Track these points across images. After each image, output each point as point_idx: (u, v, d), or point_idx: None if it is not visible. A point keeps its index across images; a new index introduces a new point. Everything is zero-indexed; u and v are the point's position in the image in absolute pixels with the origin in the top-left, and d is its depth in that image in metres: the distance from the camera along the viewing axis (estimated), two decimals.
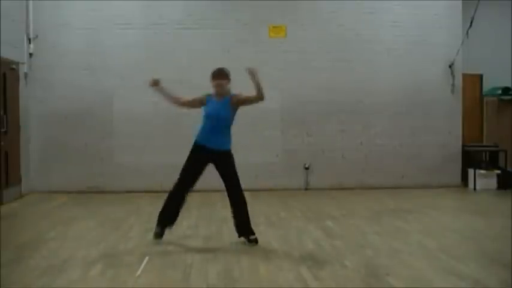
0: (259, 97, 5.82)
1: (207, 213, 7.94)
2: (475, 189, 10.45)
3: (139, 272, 5.00)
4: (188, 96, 6.20)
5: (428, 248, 5.92)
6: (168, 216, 6.07)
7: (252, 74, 5.72)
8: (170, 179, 9.87)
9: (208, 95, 6.03)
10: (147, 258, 5.44)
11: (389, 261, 5.39)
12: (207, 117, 5.95)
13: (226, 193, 6.04)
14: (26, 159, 9.76)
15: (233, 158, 5.97)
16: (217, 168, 5.98)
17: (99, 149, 10.14)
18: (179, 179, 6.01)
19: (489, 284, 4.69)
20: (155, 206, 8.53)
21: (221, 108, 5.90)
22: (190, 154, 5.99)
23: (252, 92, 5.85)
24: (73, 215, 7.95)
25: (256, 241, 6.00)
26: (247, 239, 6.01)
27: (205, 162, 5.96)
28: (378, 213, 8.08)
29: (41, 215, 7.94)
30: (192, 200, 8.41)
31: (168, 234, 6.37)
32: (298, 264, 5.24)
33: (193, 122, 9.59)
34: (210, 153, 5.89)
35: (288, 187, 10.33)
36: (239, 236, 6.07)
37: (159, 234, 6.08)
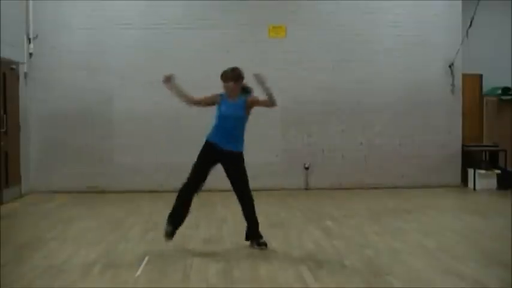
0: (273, 104, 5.79)
1: (207, 213, 7.93)
2: (474, 189, 10.45)
3: (139, 272, 5.00)
4: (201, 95, 6.07)
5: (428, 248, 5.92)
6: (178, 215, 5.92)
7: (260, 80, 5.62)
8: (170, 179, 9.99)
9: (222, 95, 5.92)
10: (147, 258, 5.44)
11: (389, 261, 5.39)
12: (220, 117, 5.84)
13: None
14: (26, 159, 9.76)
15: (243, 160, 5.86)
16: (226, 170, 5.87)
17: (99, 149, 10.14)
18: (189, 178, 5.86)
19: (489, 284, 4.69)
20: (155, 206, 8.60)
21: (235, 109, 5.80)
22: (200, 153, 5.87)
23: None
24: (73, 215, 7.95)
25: (265, 244, 5.87)
26: (256, 243, 5.88)
27: (215, 161, 5.85)
28: (377, 213, 8.07)
29: (41, 215, 7.94)
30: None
31: None
32: (298, 264, 5.24)
33: (194, 122, 9.68)
34: (221, 153, 5.78)
35: (287, 187, 10.33)
36: (246, 239, 5.98)
37: (169, 234, 5.87)
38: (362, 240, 6.29)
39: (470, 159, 10.82)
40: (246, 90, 5.92)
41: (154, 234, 6.59)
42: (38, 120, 10.06)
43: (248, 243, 5.98)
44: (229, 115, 5.80)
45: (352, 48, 10.58)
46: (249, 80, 5.86)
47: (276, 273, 4.99)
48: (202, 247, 6.01)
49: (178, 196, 5.95)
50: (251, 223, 5.93)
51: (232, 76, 5.86)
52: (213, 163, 5.87)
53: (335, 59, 10.54)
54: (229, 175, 5.90)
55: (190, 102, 6.06)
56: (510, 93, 11.22)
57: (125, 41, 10.18)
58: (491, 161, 10.83)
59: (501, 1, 11.55)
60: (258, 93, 5.87)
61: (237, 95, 5.86)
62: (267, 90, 5.69)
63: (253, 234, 5.93)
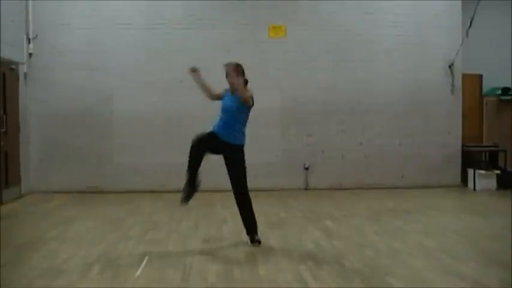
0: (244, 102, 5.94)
1: (207, 213, 7.94)
2: (474, 189, 10.45)
3: (139, 272, 5.00)
4: (217, 89, 6.21)
5: (428, 248, 5.92)
6: (191, 186, 5.98)
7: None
8: (170, 179, 10.01)
9: (227, 89, 6.12)
10: (147, 258, 5.45)
11: (389, 261, 5.39)
12: (221, 109, 6.06)
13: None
14: (25, 159, 9.76)
15: (243, 154, 5.99)
16: (225, 161, 6.00)
17: (99, 149, 10.14)
18: (191, 147, 5.92)
19: (489, 284, 4.69)
20: (155, 206, 8.61)
21: (232, 102, 5.96)
22: (205, 133, 6.01)
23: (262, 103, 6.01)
24: (73, 215, 7.95)
25: (258, 242, 6.00)
26: (250, 238, 6.01)
27: (215, 143, 5.92)
28: (377, 213, 8.07)
29: (41, 215, 7.94)
30: (192, 200, 8.40)
31: (168, 234, 6.37)
32: (298, 264, 5.24)
33: (193, 122, 9.69)
34: (221, 143, 5.92)
35: (287, 187, 10.33)
36: (246, 234, 6.08)
37: (186, 200, 5.99)
38: (362, 240, 6.28)
39: (470, 159, 10.82)
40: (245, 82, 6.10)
41: (154, 234, 6.60)
42: (37, 120, 10.06)
43: (247, 240, 6.05)
44: (226, 108, 5.99)
45: (352, 48, 10.58)
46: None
47: (276, 273, 4.99)
48: (202, 247, 6.00)
49: (188, 168, 5.97)
50: (246, 219, 6.03)
51: (229, 71, 6.03)
52: (213, 143, 5.92)
53: (335, 59, 10.54)
54: (227, 166, 5.99)
55: (209, 97, 6.22)
56: (510, 93, 11.22)
57: (125, 41, 10.18)
58: (491, 161, 10.83)
59: (501, 1, 11.56)
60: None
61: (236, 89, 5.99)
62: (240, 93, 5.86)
63: (250, 228, 6.04)
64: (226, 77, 6.02)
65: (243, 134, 6.04)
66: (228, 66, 6.04)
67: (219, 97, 6.16)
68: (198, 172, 5.95)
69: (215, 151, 5.99)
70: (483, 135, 11.74)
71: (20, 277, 4.86)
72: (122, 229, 6.88)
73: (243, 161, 5.98)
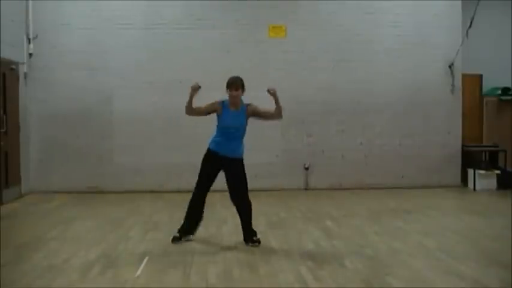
0: (278, 116, 5.95)
1: (206, 213, 7.89)
2: (474, 189, 10.45)
3: (139, 272, 5.00)
4: (203, 104, 5.98)
5: (428, 248, 5.93)
6: (192, 221, 6.15)
7: (273, 94, 5.81)
8: (170, 179, 10.01)
9: (223, 103, 5.95)
10: (147, 258, 5.45)
11: (389, 261, 5.39)
12: (222, 127, 5.94)
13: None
14: (25, 159, 9.76)
15: (243, 165, 6.01)
16: (226, 173, 6.02)
17: (99, 149, 10.14)
18: (196, 187, 6.09)
19: (489, 284, 4.70)
20: (155, 206, 8.61)
21: (237, 119, 5.92)
22: (203, 162, 6.04)
23: (262, 104, 6.02)
24: (73, 215, 7.94)
25: (258, 242, 6.01)
26: (250, 241, 6.03)
27: (218, 168, 6.00)
28: (377, 213, 8.08)
29: (41, 215, 7.94)
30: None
31: (168, 234, 6.37)
32: (298, 265, 5.25)
33: (194, 122, 9.65)
34: (222, 159, 5.93)
35: (287, 187, 10.33)
36: (245, 241, 6.08)
37: (177, 239, 6.09)
38: (362, 240, 6.29)
39: (470, 159, 10.81)
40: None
41: (154, 234, 6.60)
42: (38, 120, 10.05)
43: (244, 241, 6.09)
44: (232, 125, 5.92)
45: (352, 48, 10.58)
46: (246, 77, 5.86)
47: (276, 273, 4.99)
48: (202, 247, 6.00)
49: (189, 206, 6.15)
50: (245, 225, 6.09)
51: (242, 85, 5.94)
52: (216, 170, 6.01)
53: (335, 59, 10.54)
54: (228, 180, 6.01)
55: (191, 111, 5.95)
56: (510, 93, 11.22)
57: (125, 41, 10.17)
58: (491, 161, 10.83)
59: (501, 1, 11.55)
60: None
61: (239, 103, 5.95)
62: (277, 102, 5.85)
63: (248, 234, 6.09)
64: (231, 89, 5.87)
65: (243, 145, 6.06)
66: (237, 82, 5.90)
67: (212, 110, 5.95)
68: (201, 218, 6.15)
69: (218, 170, 6.02)
70: (483, 135, 11.73)
71: (20, 277, 4.87)
72: (121, 229, 6.88)
73: (244, 173, 5.99)
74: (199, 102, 5.95)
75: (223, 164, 5.95)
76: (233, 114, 5.92)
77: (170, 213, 7.92)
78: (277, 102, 5.86)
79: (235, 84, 5.88)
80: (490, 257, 5.55)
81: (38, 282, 4.70)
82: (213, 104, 5.97)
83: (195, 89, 5.84)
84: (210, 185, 6.07)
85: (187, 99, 5.86)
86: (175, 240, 6.08)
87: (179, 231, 6.15)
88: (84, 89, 10.11)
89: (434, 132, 10.79)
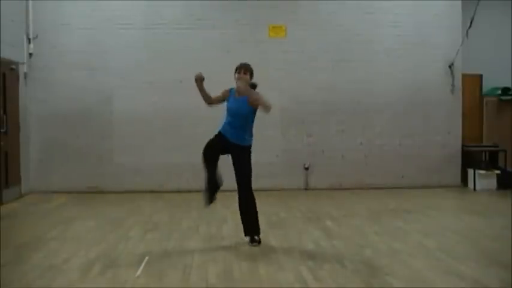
0: (267, 112, 5.93)
1: (207, 213, 7.93)
2: (474, 189, 10.45)
3: (139, 272, 5.00)
4: (216, 93, 6.13)
5: (428, 248, 5.93)
6: (213, 187, 6.07)
7: (255, 102, 5.82)
8: (170, 179, 10.00)
9: (232, 90, 6.08)
10: (147, 258, 5.45)
11: (389, 261, 5.39)
12: (227, 111, 6.03)
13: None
14: (25, 159, 9.76)
15: (249, 154, 5.99)
16: (233, 161, 6.00)
17: (99, 149, 10.14)
18: (203, 154, 5.94)
19: (489, 284, 4.69)
20: (155, 206, 8.61)
21: (239, 106, 5.93)
22: (213, 137, 6.01)
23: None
24: (73, 215, 7.95)
25: (258, 242, 6.01)
26: (250, 238, 6.02)
27: (224, 144, 5.94)
28: (377, 213, 8.08)
29: (41, 215, 7.95)
30: (192, 200, 8.42)
31: (168, 234, 6.37)
32: (298, 264, 5.25)
33: (193, 122, 9.70)
34: (230, 144, 5.93)
35: (287, 187, 10.33)
36: (245, 235, 6.08)
37: (209, 201, 6.11)
38: (362, 240, 6.29)
39: (470, 159, 10.82)
40: (253, 86, 6.04)
41: (154, 234, 6.60)
42: (37, 120, 10.05)
43: (247, 240, 6.05)
44: (235, 112, 5.95)
45: (352, 48, 10.58)
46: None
47: (276, 273, 4.99)
48: (202, 247, 6.00)
49: (206, 177, 6.02)
50: (247, 217, 6.02)
51: (251, 70, 6.04)
52: (223, 144, 5.93)
53: (335, 59, 10.54)
54: (234, 166, 5.99)
55: (208, 103, 6.12)
56: (510, 93, 11.22)
57: (125, 41, 10.17)
58: (491, 161, 10.83)
59: (501, 1, 11.55)
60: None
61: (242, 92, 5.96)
62: (264, 107, 5.83)
63: (251, 229, 6.05)
64: (239, 71, 5.97)
65: (251, 134, 6.05)
66: (246, 66, 6.01)
67: (220, 100, 6.11)
68: (217, 173, 6.00)
69: (225, 151, 6.00)
70: (483, 135, 11.73)
71: (20, 277, 4.87)
72: (121, 229, 6.88)
73: (250, 162, 5.99)
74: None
75: (229, 148, 5.94)
76: (236, 101, 5.96)
77: (170, 213, 7.93)
78: (263, 106, 5.83)
79: (244, 68, 6.00)
80: (490, 257, 5.55)
81: (38, 282, 4.70)
82: (223, 92, 6.11)
83: (199, 79, 5.92)
84: (218, 155, 5.97)
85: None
86: (210, 201, 6.10)
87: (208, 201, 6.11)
88: (84, 89, 10.12)
89: (434, 132, 10.79)
